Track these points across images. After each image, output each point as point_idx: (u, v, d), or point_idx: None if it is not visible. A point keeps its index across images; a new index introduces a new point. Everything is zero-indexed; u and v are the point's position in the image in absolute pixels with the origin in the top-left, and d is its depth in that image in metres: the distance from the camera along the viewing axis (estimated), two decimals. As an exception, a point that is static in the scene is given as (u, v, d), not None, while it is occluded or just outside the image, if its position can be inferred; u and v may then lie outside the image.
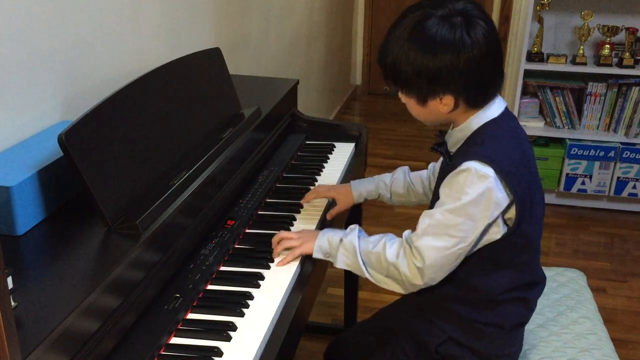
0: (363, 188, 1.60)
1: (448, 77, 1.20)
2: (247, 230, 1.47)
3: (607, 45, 3.22)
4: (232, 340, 1.11)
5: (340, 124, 2.10)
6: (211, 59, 1.66)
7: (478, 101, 1.25)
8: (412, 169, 1.68)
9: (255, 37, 2.70)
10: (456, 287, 1.30)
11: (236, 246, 1.40)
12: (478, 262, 1.27)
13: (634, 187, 3.32)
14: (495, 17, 4.83)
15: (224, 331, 1.12)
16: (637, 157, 3.26)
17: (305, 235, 1.37)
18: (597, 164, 3.30)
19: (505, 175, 1.20)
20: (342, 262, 1.33)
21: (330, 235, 1.35)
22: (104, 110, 1.19)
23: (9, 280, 0.82)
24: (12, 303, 0.86)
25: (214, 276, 1.29)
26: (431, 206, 1.33)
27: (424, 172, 1.61)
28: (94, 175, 1.11)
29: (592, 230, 3.26)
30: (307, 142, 2.00)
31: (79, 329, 0.92)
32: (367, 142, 2.04)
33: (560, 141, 3.40)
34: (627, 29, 3.21)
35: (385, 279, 1.30)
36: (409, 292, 1.30)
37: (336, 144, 2.00)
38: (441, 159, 1.54)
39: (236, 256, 1.36)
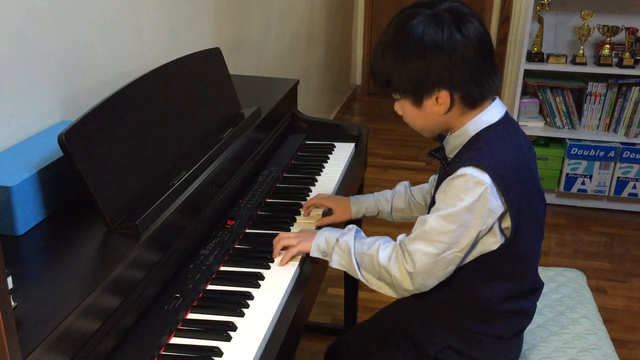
0: (362, 204, 1.57)
1: (441, 68, 1.18)
2: (247, 230, 1.47)
3: (607, 45, 3.22)
4: (232, 340, 1.11)
5: (340, 124, 2.10)
6: (211, 59, 1.66)
7: (474, 98, 1.22)
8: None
9: (255, 37, 2.70)
10: (455, 295, 1.29)
11: (236, 246, 1.40)
12: (476, 271, 1.26)
13: (634, 187, 3.32)
14: (495, 17, 4.84)
15: (224, 331, 1.12)
16: (637, 157, 3.26)
17: (304, 234, 1.37)
18: (597, 164, 3.31)
19: (502, 182, 1.18)
20: (336, 262, 1.32)
21: (328, 234, 1.34)
22: (104, 110, 1.19)
23: (9, 280, 0.82)
24: (12, 303, 0.86)
25: (214, 276, 1.29)
26: (428, 211, 1.32)
27: (425, 186, 1.58)
28: (94, 175, 1.11)
29: (592, 230, 3.26)
30: (307, 142, 2.00)
31: (79, 329, 0.92)
32: (367, 142, 2.04)
33: (560, 141, 3.40)
34: (627, 29, 3.21)
35: (377, 281, 1.29)
36: (401, 296, 1.30)
37: (336, 144, 1.99)
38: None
39: (236, 256, 1.36)
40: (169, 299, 1.16)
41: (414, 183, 1.62)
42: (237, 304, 1.20)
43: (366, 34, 5.31)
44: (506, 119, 1.28)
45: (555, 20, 3.41)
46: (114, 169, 1.16)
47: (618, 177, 3.32)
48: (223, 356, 1.07)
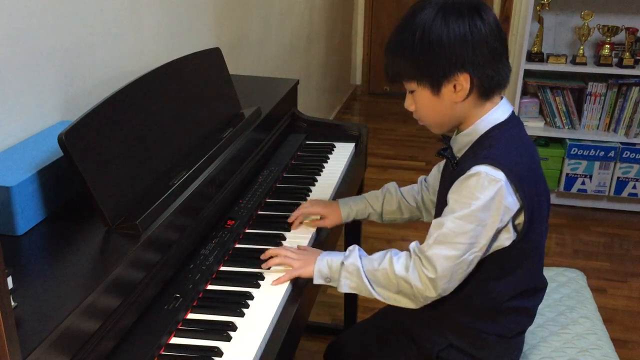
0: (352, 207, 1.54)
1: (463, 51, 1.17)
2: (247, 230, 1.47)
3: (607, 45, 3.22)
4: (232, 340, 1.11)
5: (340, 124, 2.10)
6: (211, 59, 1.66)
7: (491, 84, 1.22)
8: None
9: (255, 37, 2.70)
10: (462, 294, 1.28)
11: (236, 246, 1.40)
12: (484, 269, 1.25)
13: (634, 187, 3.32)
14: (495, 17, 4.83)
15: (224, 331, 1.12)
16: (637, 157, 3.26)
17: (304, 255, 1.33)
18: (597, 164, 3.30)
19: (516, 179, 1.18)
20: (346, 286, 1.29)
21: (330, 259, 1.30)
22: (104, 110, 1.19)
23: (9, 280, 0.82)
24: (12, 303, 0.86)
25: (214, 276, 1.29)
26: (437, 214, 1.31)
27: (414, 187, 1.57)
28: (94, 175, 1.11)
29: (592, 230, 3.26)
30: (307, 142, 2.00)
31: (79, 329, 0.92)
32: (367, 142, 2.04)
33: (560, 141, 3.40)
34: (627, 29, 3.21)
35: (395, 295, 1.26)
36: (421, 305, 1.26)
37: (336, 144, 1.99)
38: (435, 169, 1.54)
39: (236, 256, 1.36)
40: (169, 299, 1.16)
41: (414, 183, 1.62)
42: (237, 304, 1.20)
43: (366, 34, 5.31)
44: (513, 117, 1.28)
45: (555, 20, 3.41)
46: (114, 169, 1.16)
47: (618, 177, 3.32)
48: (223, 356, 1.07)
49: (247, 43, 2.58)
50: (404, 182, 1.62)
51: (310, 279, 1.32)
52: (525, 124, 3.53)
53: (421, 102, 1.26)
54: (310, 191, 1.69)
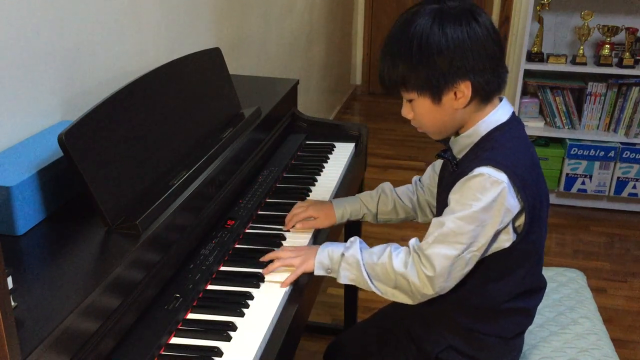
0: (346, 207, 1.52)
1: (463, 59, 1.16)
2: (247, 230, 1.47)
3: (607, 45, 3.22)
4: (232, 340, 1.11)
5: (340, 124, 2.10)
6: (211, 59, 1.66)
7: (492, 88, 1.21)
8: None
9: (255, 37, 2.70)
10: (459, 295, 1.28)
11: (236, 246, 1.40)
12: (483, 270, 1.25)
13: (634, 187, 3.32)
14: (495, 17, 4.83)
15: (224, 331, 1.12)
16: (637, 157, 3.26)
17: (303, 252, 1.32)
18: (597, 164, 3.31)
19: (518, 181, 1.18)
20: (345, 278, 1.29)
21: (331, 250, 1.31)
22: (104, 110, 1.19)
23: (9, 280, 0.82)
24: (12, 303, 0.86)
25: (214, 276, 1.29)
26: (438, 214, 1.31)
27: (409, 187, 1.56)
28: (94, 175, 1.11)
29: (592, 230, 3.26)
30: (307, 142, 2.00)
31: (79, 329, 0.92)
32: (367, 142, 2.04)
33: (560, 141, 3.40)
34: (627, 29, 3.21)
35: (392, 290, 1.26)
36: (418, 302, 1.27)
37: (336, 144, 1.99)
38: (429, 169, 1.53)
39: (236, 256, 1.36)
40: (169, 299, 1.16)
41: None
42: (237, 304, 1.20)
43: (366, 34, 5.31)
44: (514, 118, 1.28)
45: (555, 20, 3.41)
46: (114, 169, 1.16)
47: (618, 177, 3.32)
48: (223, 356, 1.07)
49: (247, 43, 2.58)
50: (403, 183, 1.61)
51: (311, 280, 1.32)
52: (525, 124, 3.53)
53: (421, 110, 1.25)
54: (310, 191, 1.69)
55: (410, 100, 1.25)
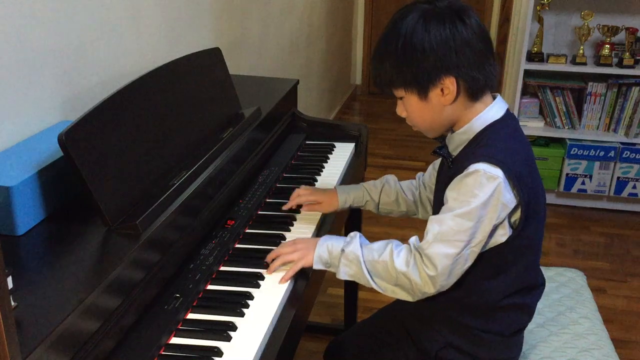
0: (350, 194, 1.55)
1: (446, 55, 1.19)
2: (247, 230, 1.47)
3: (607, 45, 3.22)
4: (232, 340, 1.11)
5: (340, 124, 2.10)
6: (211, 59, 1.66)
7: (479, 86, 1.23)
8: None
9: (255, 37, 2.70)
10: (458, 292, 1.28)
11: (236, 246, 1.40)
12: (480, 266, 1.26)
13: (634, 187, 3.32)
14: (495, 17, 4.84)
15: (224, 331, 1.12)
16: (637, 157, 3.26)
17: (302, 247, 1.32)
18: (597, 164, 3.31)
19: (514, 176, 1.19)
20: (344, 274, 1.29)
21: (330, 244, 1.31)
22: (104, 110, 1.19)
23: (9, 280, 0.82)
24: (12, 303, 0.86)
25: (214, 276, 1.29)
26: (435, 212, 1.32)
27: (412, 182, 1.58)
28: (94, 175, 1.11)
29: (592, 230, 3.26)
30: (307, 142, 2.00)
31: (79, 329, 0.92)
32: (367, 142, 2.04)
33: (560, 141, 3.40)
34: (627, 29, 3.21)
35: (393, 287, 1.26)
36: (418, 299, 1.27)
37: (336, 144, 2.00)
38: (430, 167, 1.54)
39: (236, 256, 1.36)
40: (169, 299, 1.16)
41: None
42: (237, 304, 1.20)
43: (366, 34, 5.31)
44: (508, 114, 1.29)
45: (555, 20, 3.41)
46: (114, 169, 1.16)
47: (618, 177, 3.32)
48: (223, 356, 1.07)
49: (247, 43, 2.58)
50: (403, 182, 1.62)
51: (311, 280, 1.32)
52: (525, 124, 3.55)
53: (411, 107, 1.28)
54: (310, 191, 1.69)
55: (401, 98, 1.29)
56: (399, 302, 1.34)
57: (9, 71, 1.23)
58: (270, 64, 2.96)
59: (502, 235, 1.23)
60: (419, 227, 1.29)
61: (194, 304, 1.19)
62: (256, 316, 1.18)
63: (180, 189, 1.28)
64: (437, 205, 1.31)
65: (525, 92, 3.41)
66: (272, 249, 1.36)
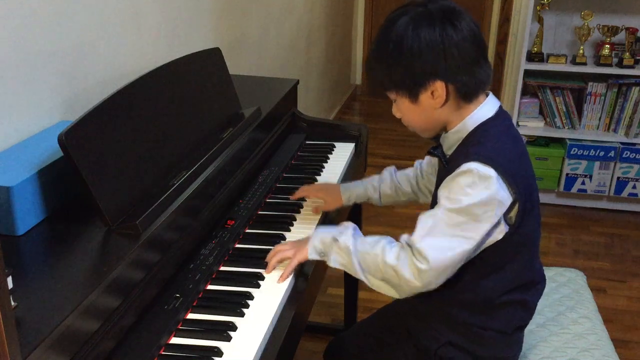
0: (352, 191, 1.60)
1: (434, 60, 1.19)
2: (247, 230, 1.47)
3: (607, 45, 3.22)
4: (232, 340, 1.11)
5: (340, 124, 2.10)
6: (211, 59, 1.66)
7: (469, 89, 1.23)
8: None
9: (255, 37, 2.70)
10: (455, 290, 1.28)
11: (236, 246, 1.40)
12: (478, 263, 1.26)
13: (634, 187, 3.32)
14: (495, 17, 4.84)
15: (224, 331, 1.12)
16: (637, 157, 3.26)
17: (298, 243, 1.34)
18: (597, 164, 3.31)
19: (507, 174, 1.19)
20: (335, 261, 1.30)
21: (323, 234, 1.32)
22: (104, 110, 1.19)
23: (9, 280, 0.82)
24: (12, 303, 0.86)
25: (214, 276, 1.29)
26: (431, 206, 1.32)
27: (410, 171, 1.62)
28: (94, 175, 1.11)
29: (592, 230, 3.26)
30: (307, 142, 2.00)
31: (79, 329, 0.92)
32: (367, 142, 2.04)
33: (560, 141, 3.40)
34: (627, 29, 3.21)
35: (378, 282, 1.27)
36: (404, 296, 1.27)
37: (336, 144, 2.00)
38: (428, 159, 1.55)
39: (236, 256, 1.36)
40: (169, 299, 1.16)
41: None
42: (237, 304, 1.20)
43: (366, 34, 5.31)
44: (501, 112, 1.29)
45: (555, 20, 3.41)
46: (114, 169, 1.16)
47: (618, 177, 3.32)
48: (223, 356, 1.07)
49: (247, 43, 2.58)
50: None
51: (311, 280, 1.32)
52: (525, 124, 3.55)
53: (403, 109, 1.30)
54: (310, 191, 1.69)
55: (394, 100, 1.30)
56: (398, 301, 1.34)
57: (9, 71, 1.23)
58: (270, 64, 2.96)
59: (499, 232, 1.23)
60: (419, 227, 1.29)
61: (194, 304, 1.19)
62: (256, 316, 1.18)
63: (180, 189, 1.28)
64: (433, 203, 1.31)
65: (525, 92, 3.41)
66: (272, 249, 1.36)
